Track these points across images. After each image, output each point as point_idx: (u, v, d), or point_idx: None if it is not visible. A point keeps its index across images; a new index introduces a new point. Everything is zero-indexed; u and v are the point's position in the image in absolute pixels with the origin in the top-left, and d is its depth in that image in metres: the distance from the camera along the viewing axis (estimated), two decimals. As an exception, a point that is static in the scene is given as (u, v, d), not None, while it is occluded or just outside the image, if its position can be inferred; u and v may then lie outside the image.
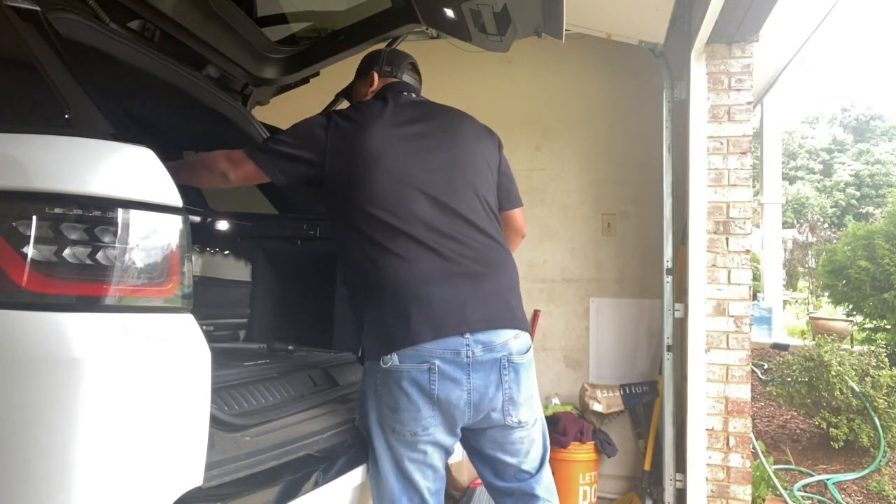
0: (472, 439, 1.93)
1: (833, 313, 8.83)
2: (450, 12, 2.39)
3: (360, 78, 2.25)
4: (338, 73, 2.94)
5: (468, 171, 2.00)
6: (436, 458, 1.85)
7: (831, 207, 25.52)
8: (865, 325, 6.23)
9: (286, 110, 3.25)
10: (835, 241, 12.67)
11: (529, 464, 1.95)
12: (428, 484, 1.85)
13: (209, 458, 1.38)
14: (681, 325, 3.60)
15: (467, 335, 1.78)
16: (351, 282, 1.98)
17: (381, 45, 2.83)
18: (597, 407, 3.95)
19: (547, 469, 2.00)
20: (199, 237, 2.71)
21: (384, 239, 1.83)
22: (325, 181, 1.92)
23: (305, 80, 3.09)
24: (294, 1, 2.97)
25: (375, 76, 2.19)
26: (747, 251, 3.51)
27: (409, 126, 1.99)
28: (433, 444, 1.82)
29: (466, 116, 2.16)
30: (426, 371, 1.75)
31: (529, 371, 1.90)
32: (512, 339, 1.85)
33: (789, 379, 4.74)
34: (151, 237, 1.33)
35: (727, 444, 3.39)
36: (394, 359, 1.76)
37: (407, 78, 2.20)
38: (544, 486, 1.98)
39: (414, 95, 2.14)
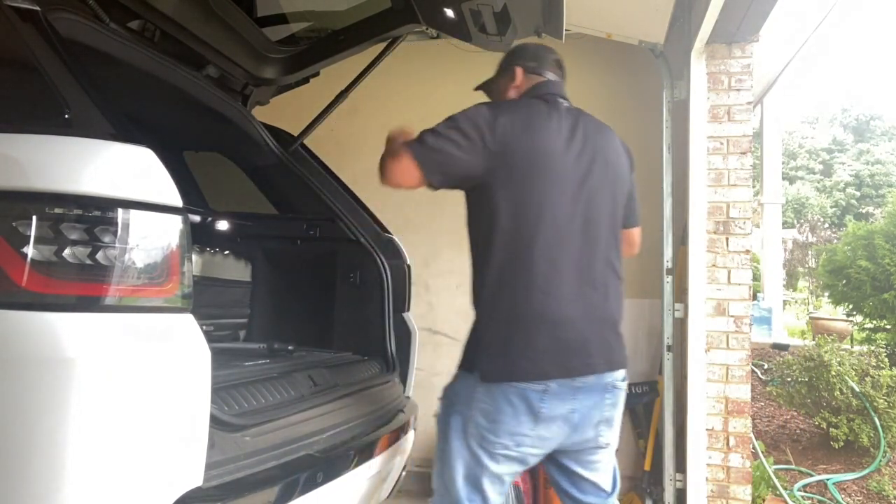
0: (556, 454, 1.93)
1: (833, 313, 8.83)
2: (450, 12, 2.38)
3: (502, 73, 2.16)
4: (338, 73, 2.94)
5: (612, 201, 1.98)
6: (512, 471, 1.86)
7: (831, 207, 25.52)
8: (865, 325, 6.23)
9: (287, 110, 3.26)
10: (835, 241, 12.67)
11: (607, 483, 2.00)
12: (495, 496, 1.86)
13: (209, 458, 1.38)
14: (681, 325, 3.60)
15: (590, 374, 1.82)
16: (480, 283, 1.96)
17: (381, 45, 2.83)
18: (597, 407, 3.94)
19: (617, 490, 2.05)
20: (199, 237, 2.71)
21: (524, 254, 1.82)
22: (482, 180, 1.86)
23: (305, 80, 3.09)
24: (294, 1, 2.97)
25: (520, 72, 2.09)
26: (747, 251, 3.51)
27: (572, 140, 1.92)
28: (517, 459, 1.83)
29: (613, 135, 2.09)
30: (540, 391, 1.76)
31: (623, 396, 1.96)
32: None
33: (789, 379, 4.74)
34: (151, 237, 1.33)
35: (727, 444, 3.39)
36: None
37: (551, 76, 2.09)
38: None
39: (568, 103, 2.04)
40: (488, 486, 1.84)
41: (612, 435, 1.94)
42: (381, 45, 2.87)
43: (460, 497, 1.84)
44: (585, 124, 1.99)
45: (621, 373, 1.92)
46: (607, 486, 2.00)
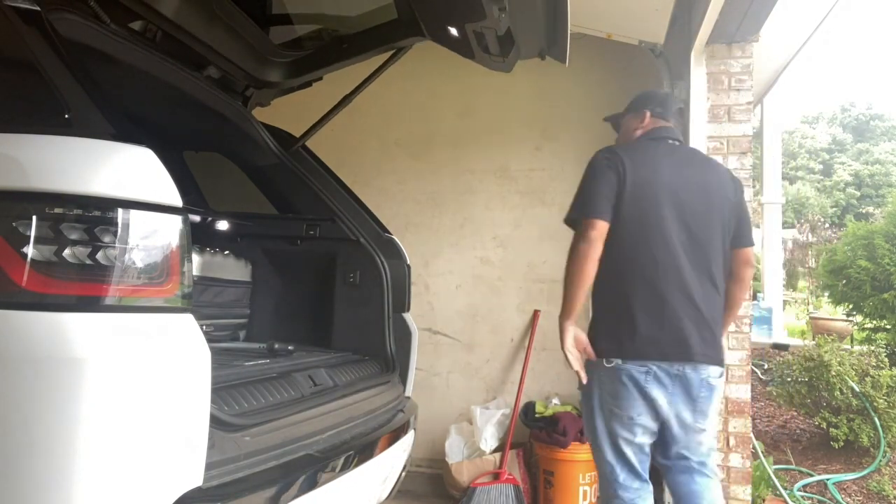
0: (662, 434, 2.34)
1: (833, 313, 8.82)
2: (454, 31, 2.42)
3: (632, 113, 2.57)
4: (340, 76, 2.95)
5: (717, 223, 2.37)
6: (644, 439, 2.30)
7: (831, 207, 25.51)
8: (865, 325, 6.22)
9: (287, 110, 3.26)
10: (835, 241, 12.66)
11: (700, 458, 2.37)
12: (636, 460, 2.30)
13: (209, 458, 1.38)
14: (681, 325, 3.60)
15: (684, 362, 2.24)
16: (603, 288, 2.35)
17: (386, 55, 2.85)
18: (597, 407, 3.94)
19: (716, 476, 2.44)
20: (199, 237, 2.71)
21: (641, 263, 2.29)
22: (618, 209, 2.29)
23: (308, 84, 3.10)
24: (304, 4, 2.98)
25: (648, 115, 2.50)
26: (747, 251, 3.51)
27: (681, 172, 2.36)
28: (643, 427, 2.27)
29: (719, 167, 2.53)
30: (644, 372, 2.22)
31: (719, 392, 2.35)
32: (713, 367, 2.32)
33: (789, 379, 4.73)
34: (151, 237, 1.33)
35: (727, 444, 3.39)
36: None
37: (677, 120, 2.54)
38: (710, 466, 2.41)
39: (674, 140, 2.47)
40: (629, 452, 2.29)
41: (708, 423, 2.33)
42: (386, 55, 2.88)
43: (609, 462, 2.30)
44: (686, 156, 2.48)
45: (717, 370, 2.31)
46: (708, 471, 2.37)
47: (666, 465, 2.41)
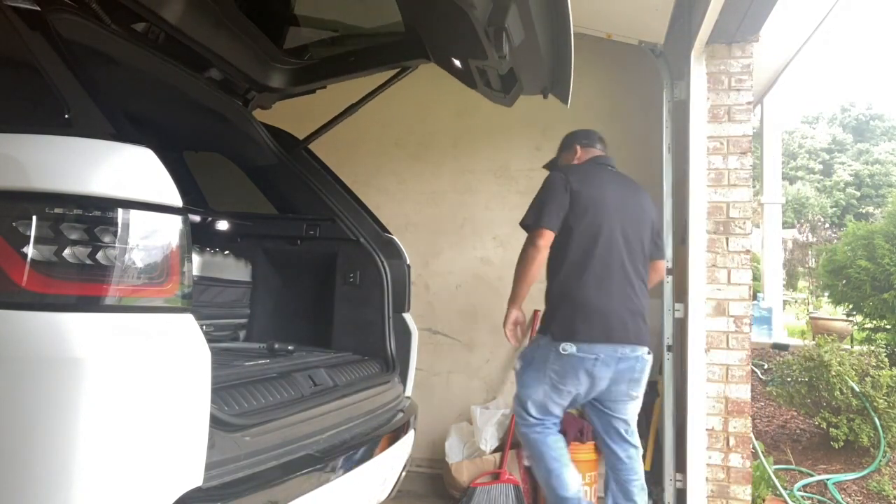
0: (597, 400, 2.87)
1: (833, 313, 8.82)
2: (457, 62, 2.49)
3: (564, 151, 3.14)
4: (344, 83, 2.96)
5: (645, 229, 2.96)
6: (568, 402, 2.84)
7: (831, 207, 25.51)
8: (865, 325, 6.22)
9: (287, 110, 3.26)
10: (835, 241, 12.66)
11: (631, 423, 2.92)
12: (556, 410, 2.85)
13: (209, 458, 1.38)
14: (681, 325, 3.60)
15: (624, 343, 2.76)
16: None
17: (391, 72, 2.90)
18: (597, 407, 3.95)
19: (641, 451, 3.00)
20: (199, 237, 2.71)
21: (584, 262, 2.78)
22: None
23: (311, 91, 3.11)
24: (322, 10, 2.98)
25: (579, 148, 3.07)
26: (747, 251, 3.51)
27: (615, 190, 2.91)
28: (574, 396, 2.81)
29: (641, 189, 3.05)
30: (593, 359, 2.71)
31: (649, 365, 2.89)
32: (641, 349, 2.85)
33: (789, 379, 4.73)
34: (151, 237, 1.33)
35: (727, 444, 3.39)
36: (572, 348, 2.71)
37: (601, 147, 3.10)
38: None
39: (612, 167, 3.03)
40: (555, 409, 2.84)
41: (640, 391, 2.87)
42: (391, 72, 2.94)
43: (533, 415, 2.82)
44: (622, 181, 2.99)
45: (647, 349, 2.84)
46: (634, 440, 2.91)
47: (604, 437, 2.93)
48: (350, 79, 2.89)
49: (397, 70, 2.88)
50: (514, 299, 2.83)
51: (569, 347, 2.68)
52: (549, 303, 2.83)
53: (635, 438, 2.93)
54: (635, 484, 2.93)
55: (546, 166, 3.20)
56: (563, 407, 2.86)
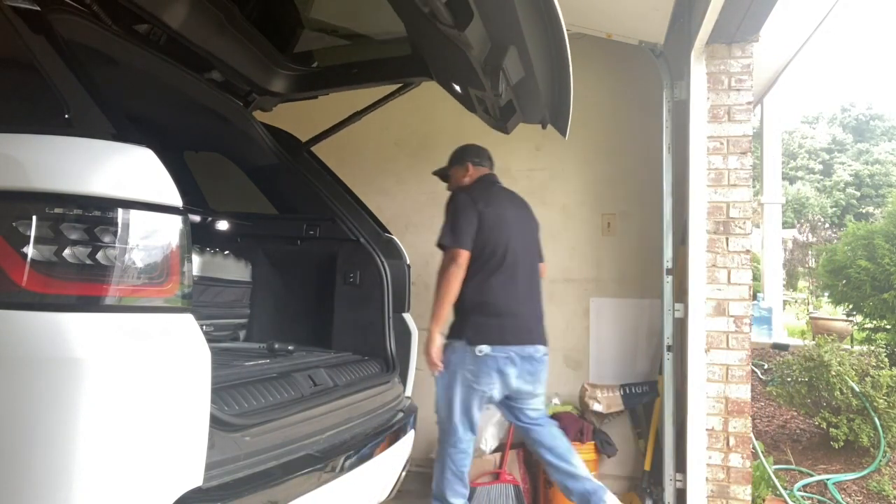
0: (508, 398, 3.10)
1: (833, 313, 8.82)
2: (457, 87, 2.56)
3: (456, 165, 3.32)
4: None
5: (534, 238, 3.29)
6: (485, 401, 3.04)
7: (831, 207, 25.51)
8: (865, 325, 6.22)
9: (288, 112, 3.26)
10: (835, 241, 12.66)
11: (540, 413, 3.18)
12: (476, 418, 3.04)
13: (209, 458, 1.38)
14: (681, 325, 3.60)
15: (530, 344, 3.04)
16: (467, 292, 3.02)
17: (392, 87, 2.95)
18: (597, 407, 3.95)
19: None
20: (199, 237, 2.71)
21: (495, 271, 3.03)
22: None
23: (314, 96, 3.13)
24: (334, 16, 2.99)
25: (470, 166, 3.28)
26: (747, 251, 3.51)
27: (510, 206, 3.20)
28: (489, 395, 2.99)
29: (526, 203, 3.35)
30: (504, 358, 2.95)
31: (546, 363, 3.14)
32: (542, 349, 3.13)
33: (789, 379, 4.73)
34: (151, 237, 1.33)
35: (727, 444, 3.39)
36: (486, 349, 2.92)
37: (489, 165, 3.34)
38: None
39: (501, 185, 3.29)
40: (475, 415, 3.02)
41: (541, 388, 3.13)
42: (392, 87, 3.02)
43: (455, 423, 2.99)
44: (512, 197, 3.30)
45: (545, 348, 3.12)
46: (541, 420, 3.18)
47: (522, 426, 3.17)
48: (352, 90, 2.94)
49: (397, 87, 2.96)
50: (438, 320, 2.93)
51: (485, 349, 2.90)
52: (462, 311, 3.00)
53: (546, 420, 3.22)
54: (560, 446, 3.13)
55: (436, 173, 3.43)
56: (480, 412, 3.05)
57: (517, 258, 3.07)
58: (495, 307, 2.97)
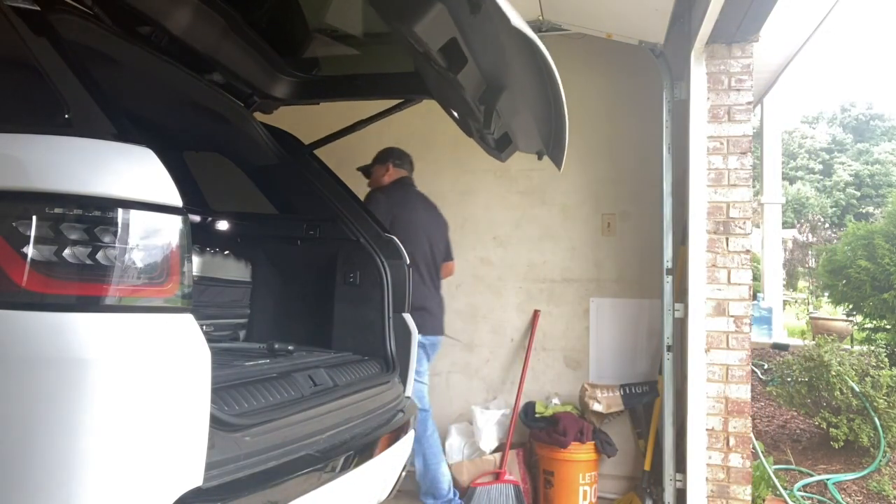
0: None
1: (833, 313, 8.83)
2: (455, 113, 2.62)
3: (379, 164, 3.73)
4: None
5: (442, 238, 3.77)
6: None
7: (831, 207, 25.52)
8: (865, 325, 6.22)
9: (289, 112, 3.25)
10: (835, 241, 12.66)
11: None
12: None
13: (209, 458, 1.38)
14: (681, 325, 3.60)
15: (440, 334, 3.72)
16: None
17: (393, 102, 3.02)
18: (597, 407, 3.95)
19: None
20: (199, 237, 2.71)
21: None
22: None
23: (315, 102, 3.14)
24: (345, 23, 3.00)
25: (391, 166, 3.70)
26: (747, 251, 3.51)
27: (423, 209, 3.67)
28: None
29: (436, 206, 3.79)
30: (430, 344, 3.59)
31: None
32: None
33: (789, 379, 4.74)
34: (151, 237, 1.33)
35: (727, 444, 3.39)
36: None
37: (408, 169, 3.78)
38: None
39: (415, 188, 3.74)
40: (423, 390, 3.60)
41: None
42: (393, 102, 3.08)
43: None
44: (424, 200, 3.74)
45: (443, 336, 3.78)
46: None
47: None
48: (352, 100, 2.98)
49: (397, 103, 3.02)
50: None
51: (420, 339, 3.19)
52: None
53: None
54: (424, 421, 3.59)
55: (360, 169, 3.78)
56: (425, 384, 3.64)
57: (428, 259, 3.56)
58: (419, 304, 3.24)
